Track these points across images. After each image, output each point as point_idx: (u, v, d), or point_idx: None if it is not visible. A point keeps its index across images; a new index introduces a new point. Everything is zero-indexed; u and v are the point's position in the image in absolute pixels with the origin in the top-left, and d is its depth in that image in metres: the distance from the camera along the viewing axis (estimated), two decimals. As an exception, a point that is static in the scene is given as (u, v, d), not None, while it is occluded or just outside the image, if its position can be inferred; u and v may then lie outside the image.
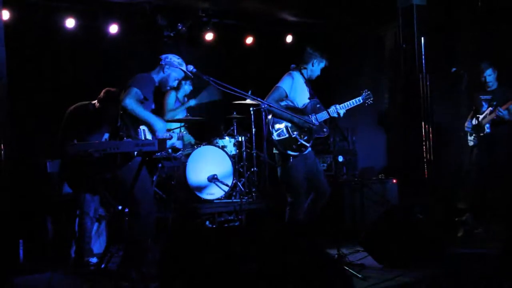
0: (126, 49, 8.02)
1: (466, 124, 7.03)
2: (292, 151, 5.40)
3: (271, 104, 5.23)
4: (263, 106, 5.95)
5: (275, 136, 5.36)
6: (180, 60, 5.10)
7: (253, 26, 8.87)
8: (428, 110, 7.06)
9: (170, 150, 6.59)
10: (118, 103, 4.77)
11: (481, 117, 6.82)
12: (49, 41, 7.41)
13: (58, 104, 6.29)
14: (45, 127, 6.69)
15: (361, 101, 5.70)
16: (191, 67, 5.07)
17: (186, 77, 5.32)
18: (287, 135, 5.39)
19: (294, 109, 5.46)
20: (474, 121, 6.80)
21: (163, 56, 5.11)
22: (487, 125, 6.77)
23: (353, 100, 5.70)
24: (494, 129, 6.75)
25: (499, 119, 6.67)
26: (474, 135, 6.87)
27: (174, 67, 5.07)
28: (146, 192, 4.85)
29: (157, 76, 5.06)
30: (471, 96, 7.09)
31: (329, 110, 5.55)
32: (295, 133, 5.41)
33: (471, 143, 6.97)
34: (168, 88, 5.23)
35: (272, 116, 5.40)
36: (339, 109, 5.62)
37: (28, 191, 5.98)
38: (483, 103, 6.93)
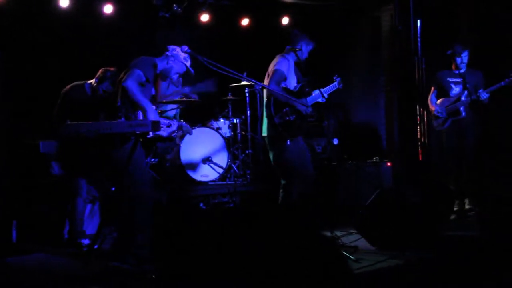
0: (121, 29, 7.94)
1: (434, 108, 6.82)
2: (291, 134, 5.39)
3: (273, 89, 5.25)
4: (257, 88, 5.93)
5: (277, 119, 5.33)
6: (185, 55, 5.05)
7: (249, 8, 8.80)
8: (422, 93, 7.03)
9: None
10: (116, 83, 4.74)
11: (452, 100, 6.70)
12: (43, 20, 7.34)
13: (52, 84, 6.26)
14: (38, 107, 6.65)
15: (337, 86, 5.89)
16: (185, 48, 5.04)
17: (187, 73, 5.26)
18: (287, 118, 5.37)
19: (290, 92, 5.44)
20: (447, 105, 6.69)
21: (171, 47, 5.07)
22: (462, 108, 6.63)
23: (332, 85, 5.85)
24: (468, 113, 6.63)
25: (476, 102, 6.53)
26: (442, 119, 6.74)
27: (179, 61, 5.04)
28: (141, 173, 4.84)
29: (160, 64, 5.02)
30: (435, 77, 6.90)
31: (317, 93, 5.58)
32: (293, 116, 5.40)
33: (440, 128, 6.80)
34: (168, 80, 5.20)
35: (273, 98, 5.36)
36: (324, 93, 5.65)
37: (21, 172, 5.96)
38: (452, 85, 6.76)
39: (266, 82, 5.52)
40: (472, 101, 6.57)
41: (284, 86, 5.46)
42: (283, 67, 5.43)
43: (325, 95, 5.66)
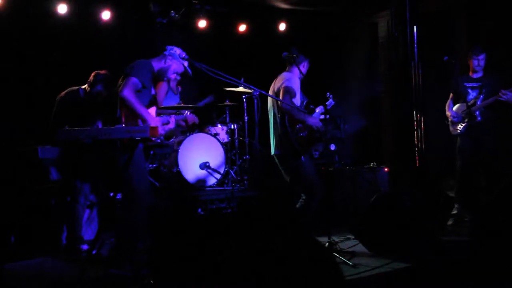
0: (118, 35, 7.97)
1: (450, 114, 6.85)
2: (304, 149, 5.42)
3: (287, 106, 5.29)
4: (255, 94, 5.91)
5: (293, 135, 5.36)
6: (184, 55, 5.06)
7: (246, 14, 8.83)
8: (419, 99, 7.05)
9: (162, 138, 6.56)
10: (110, 86, 4.73)
11: (468, 105, 6.72)
12: (40, 26, 7.35)
13: (50, 90, 6.27)
14: (36, 113, 6.66)
15: (333, 102, 5.89)
16: (183, 54, 5.06)
17: (185, 74, 5.25)
18: (301, 134, 5.41)
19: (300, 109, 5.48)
20: (464, 109, 6.71)
21: (169, 47, 5.06)
22: (477, 113, 6.65)
23: (328, 102, 5.83)
24: (484, 117, 6.63)
25: (500, 103, 6.45)
26: (460, 124, 6.80)
27: (177, 60, 5.04)
28: (141, 178, 4.84)
29: (157, 64, 5.00)
30: (452, 83, 6.92)
31: (320, 109, 5.62)
32: (305, 132, 5.43)
33: (456, 132, 6.80)
34: (165, 79, 5.20)
35: (288, 116, 5.38)
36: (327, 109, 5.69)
37: (19, 177, 5.96)
38: (469, 91, 6.75)
39: (271, 94, 5.55)
40: (491, 105, 6.54)
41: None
42: (293, 84, 5.45)
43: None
